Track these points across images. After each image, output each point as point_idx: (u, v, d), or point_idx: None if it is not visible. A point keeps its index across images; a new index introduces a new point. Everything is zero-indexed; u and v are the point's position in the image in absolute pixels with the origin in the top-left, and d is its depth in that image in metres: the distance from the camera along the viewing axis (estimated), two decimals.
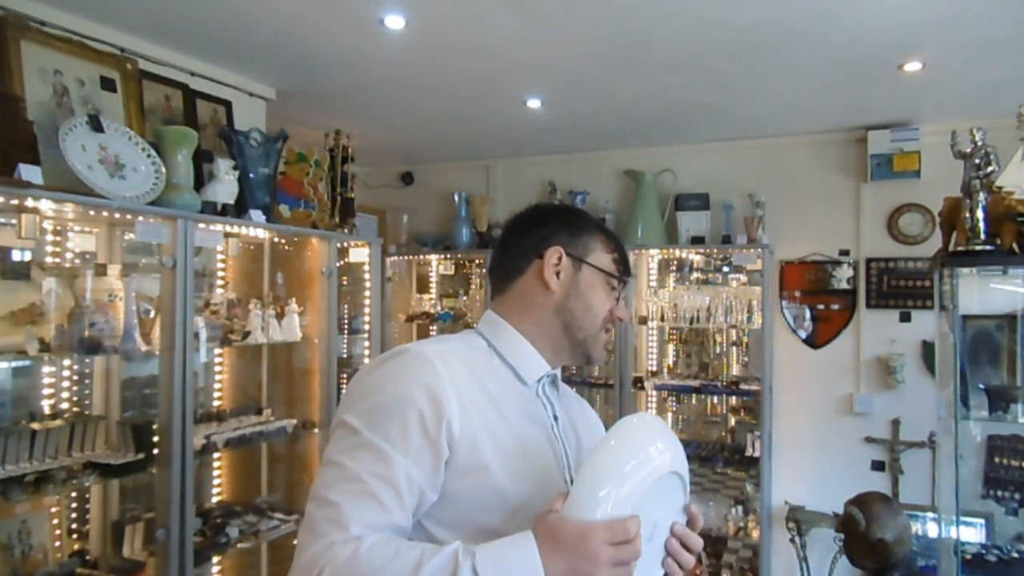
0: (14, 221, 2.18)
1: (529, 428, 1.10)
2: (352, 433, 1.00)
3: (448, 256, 4.59)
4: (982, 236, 2.20)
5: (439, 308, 4.73)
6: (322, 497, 0.96)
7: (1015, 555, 2.48)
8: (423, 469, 0.99)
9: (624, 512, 0.92)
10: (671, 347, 4.40)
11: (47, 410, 2.43)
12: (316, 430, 3.06)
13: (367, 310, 3.33)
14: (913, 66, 2.83)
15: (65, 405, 2.50)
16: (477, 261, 4.56)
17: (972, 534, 3.09)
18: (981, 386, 2.46)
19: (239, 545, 2.77)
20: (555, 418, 1.17)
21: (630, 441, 0.97)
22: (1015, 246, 2.18)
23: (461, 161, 4.74)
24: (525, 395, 1.14)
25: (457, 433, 1.00)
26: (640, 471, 0.95)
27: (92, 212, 2.24)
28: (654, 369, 4.31)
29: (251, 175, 2.70)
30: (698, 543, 1.05)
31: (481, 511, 1.02)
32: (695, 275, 4.31)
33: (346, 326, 3.62)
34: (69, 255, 2.51)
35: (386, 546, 0.92)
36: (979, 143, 2.20)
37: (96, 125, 2.18)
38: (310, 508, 0.98)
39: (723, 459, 3.89)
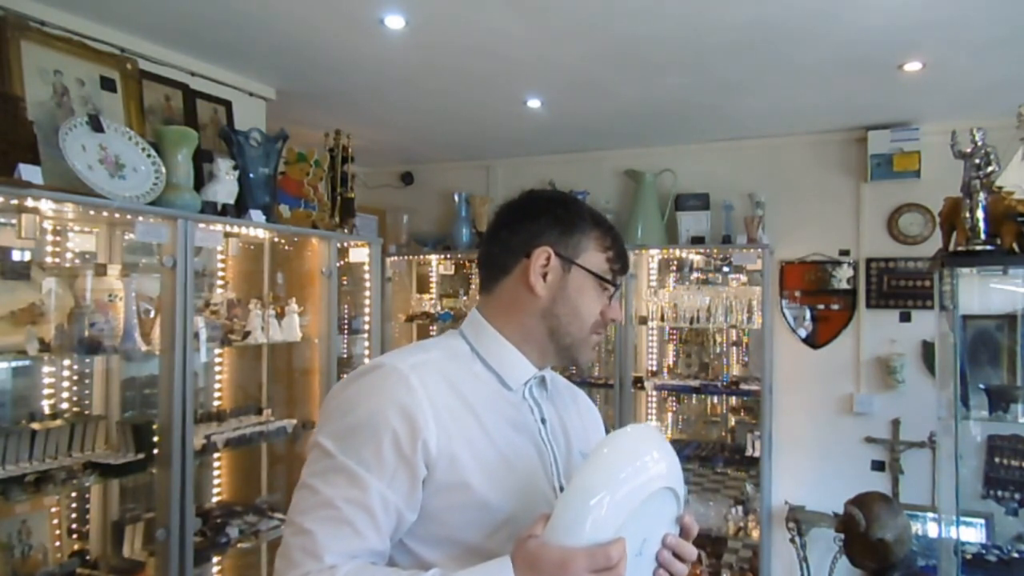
0: (14, 221, 2.18)
1: (514, 437, 1.06)
2: (325, 455, 0.97)
3: (448, 256, 4.59)
4: (982, 236, 2.20)
5: (439, 308, 4.72)
6: (297, 524, 0.95)
7: (1015, 555, 2.48)
8: (399, 491, 0.96)
9: (614, 522, 0.89)
10: (671, 347, 4.40)
11: (47, 410, 2.43)
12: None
13: (367, 310, 3.33)
14: (913, 66, 2.83)
15: (65, 405, 2.50)
16: (477, 261, 4.55)
17: (972, 534, 3.09)
18: (981, 386, 2.46)
19: (239, 545, 2.77)
20: (543, 421, 1.13)
21: (624, 450, 0.94)
22: (1015, 246, 2.18)
23: (461, 161, 4.73)
24: (510, 401, 1.09)
25: (434, 451, 0.97)
26: (634, 480, 0.91)
27: (92, 212, 2.23)
28: (654, 369, 4.31)
29: (251, 175, 2.70)
30: (692, 552, 1.01)
31: (464, 528, 1.00)
32: (695, 275, 4.31)
33: (346, 326, 3.62)
34: (69, 255, 2.51)
35: (360, 574, 0.92)
36: (979, 143, 2.20)
37: (96, 125, 2.18)
38: (286, 534, 0.96)
39: (723, 459, 3.88)
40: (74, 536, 2.57)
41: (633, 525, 0.91)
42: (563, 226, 1.11)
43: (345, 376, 1.08)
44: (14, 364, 2.32)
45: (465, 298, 4.66)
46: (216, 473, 3.11)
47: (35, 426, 2.29)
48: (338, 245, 3.08)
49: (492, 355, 1.11)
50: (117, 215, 2.28)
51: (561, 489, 1.09)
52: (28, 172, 1.95)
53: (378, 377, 1.01)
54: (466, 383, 1.06)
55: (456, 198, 4.47)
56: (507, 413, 1.08)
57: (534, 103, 3.40)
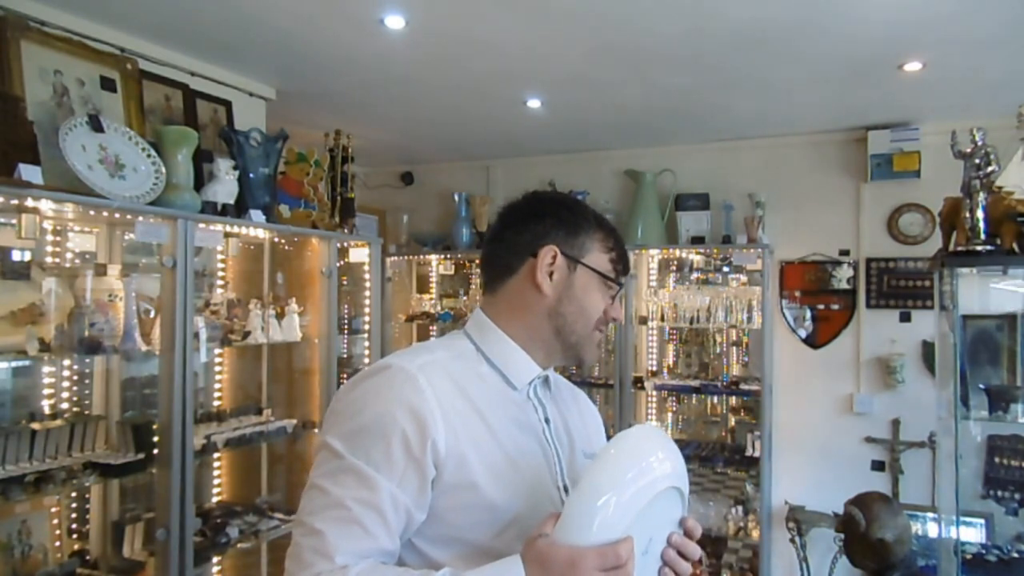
0: (14, 221, 2.18)
1: (520, 438, 1.07)
2: (335, 456, 0.97)
3: (448, 256, 4.59)
4: (982, 236, 2.20)
5: (439, 308, 4.72)
6: (307, 524, 0.95)
7: (1015, 555, 2.48)
8: (409, 491, 0.96)
9: (622, 521, 0.90)
10: (671, 347, 4.41)
11: (47, 410, 2.43)
12: (316, 430, 3.06)
13: (367, 310, 3.33)
14: (913, 66, 2.83)
15: (65, 405, 2.50)
16: (477, 261, 4.53)
17: (972, 534, 3.09)
18: (981, 386, 2.46)
19: (239, 545, 2.76)
20: (547, 421, 1.13)
21: (630, 451, 0.94)
22: (1015, 246, 2.18)
23: (461, 161, 4.74)
24: (515, 401, 1.10)
25: (443, 452, 0.97)
26: (640, 480, 0.92)
27: (92, 212, 2.23)
28: (654, 369, 4.31)
29: (251, 175, 2.70)
30: (696, 551, 1.02)
31: (472, 528, 1.00)
32: (695, 275, 4.31)
33: (346, 326, 3.62)
34: (69, 255, 2.51)
35: (372, 574, 0.92)
36: (979, 143, 2.20)
37: (96, 125, 2.18)
38: (296, 535, 0.96)
39: (723, 459, 3.89)
40: (74, 536, 2.57)
41: (640, 524, 0.92)
42: (568, 227, 1.13)
43: (352, 377, 1.08)
44: (14, 364, 2.32)
45: (465, 298, 4.66)
46: (216, 473, 3.11)
47: (35, 426, 2.29)
48: (338, 245, 3.08)
49: (497, 355, 1.11)
50: (117, 215, 2.28)
51: (566, 489, 1.09)
52: (28, 172, 1.95)
53: (386, 378, 1.01)
54: (472, 383, 1.06)
55: (456, 198, 4.47)
56: (512, 413, 1.08)
57: (534, 103, 3.40)
